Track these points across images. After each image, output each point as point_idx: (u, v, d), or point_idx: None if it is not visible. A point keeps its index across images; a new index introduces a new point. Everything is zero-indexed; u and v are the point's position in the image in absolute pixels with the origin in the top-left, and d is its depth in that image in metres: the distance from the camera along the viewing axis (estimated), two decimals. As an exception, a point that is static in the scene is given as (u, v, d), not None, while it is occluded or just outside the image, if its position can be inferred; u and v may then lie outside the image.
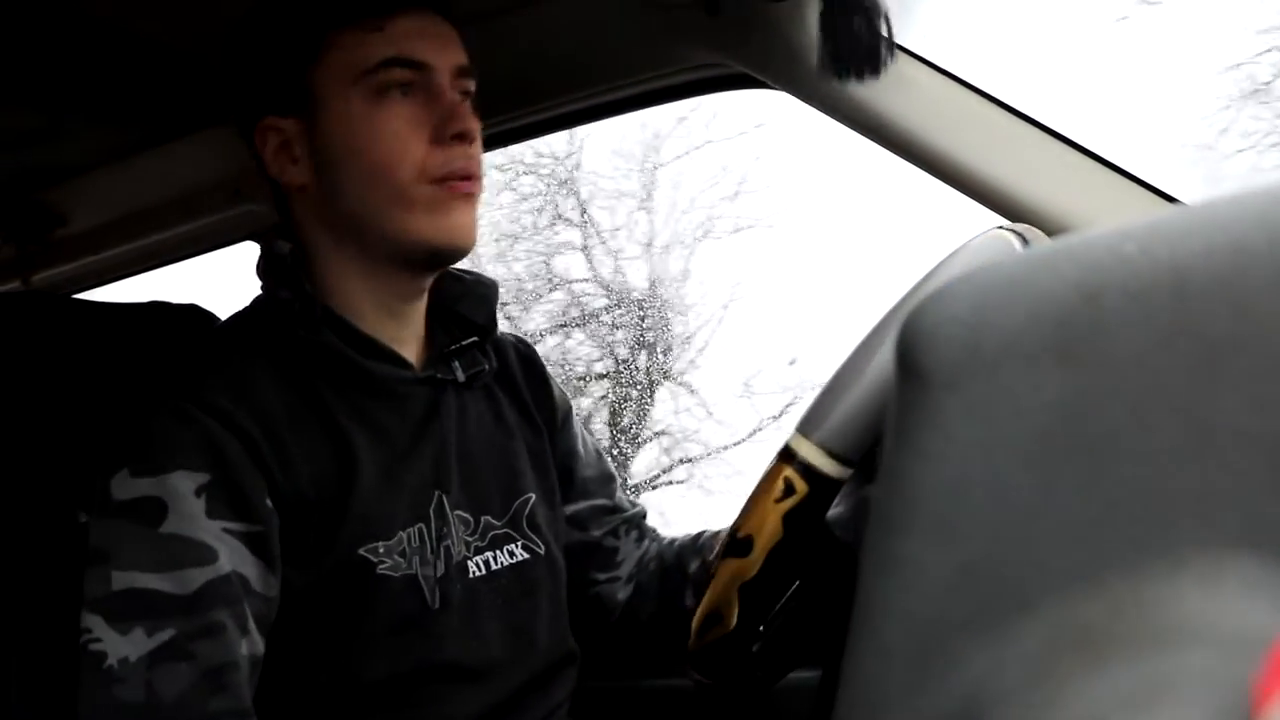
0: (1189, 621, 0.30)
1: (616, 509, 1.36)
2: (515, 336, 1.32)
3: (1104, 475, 0.32)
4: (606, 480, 1.37)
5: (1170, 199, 1.14)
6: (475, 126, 1.08)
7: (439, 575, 1.10)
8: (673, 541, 1.37)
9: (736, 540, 0.79)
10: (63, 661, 1.18)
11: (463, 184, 1.07)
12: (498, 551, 1.17)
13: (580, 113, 1.52)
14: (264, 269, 1.13)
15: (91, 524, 1.00)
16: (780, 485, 0.77)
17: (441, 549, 1.11)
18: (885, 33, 1.19)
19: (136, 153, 1.74)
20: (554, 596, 1.22)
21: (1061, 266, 0.34)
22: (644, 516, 1.39)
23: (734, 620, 0.82)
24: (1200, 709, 0.27)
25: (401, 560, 1.07)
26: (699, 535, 1.34)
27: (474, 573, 1.13)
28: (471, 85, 1.11)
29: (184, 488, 0.98)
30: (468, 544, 1.14)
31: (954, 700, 0.33)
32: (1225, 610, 0.30)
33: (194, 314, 1.36)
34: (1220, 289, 0.32)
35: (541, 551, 1.21)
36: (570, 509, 1.32)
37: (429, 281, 1.16)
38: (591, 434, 1.41)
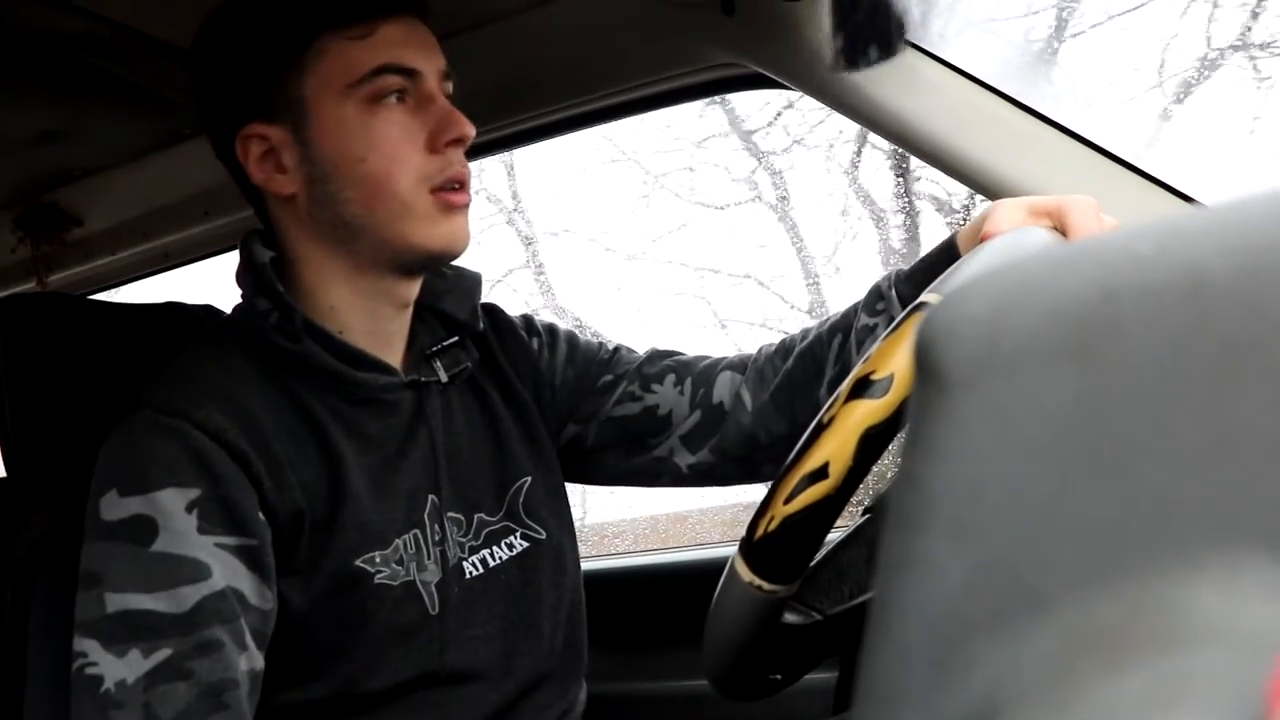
0: (1206, 623, 0.30)
1: (618, 379, 1.29)
2: (484, 304, 1.27)
3: (1121, 476, 0.32)
4: (599, 363, 1.31)
5: (1188, 199, 1.14)
6: (471, 131, 1.06)
7: (437, 580, 1.09)
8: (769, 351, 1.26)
9: (870, 381, 0.73)
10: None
11: (459, 196, 1.07)
12: (495, 547, 1.16)
13: (596, 113, 1.53)
14: (243, 277, 1.11)
15: (83, 547, 0.99)
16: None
17: (437, 553, 1.10)
18: (898, 21, 1.19)
19: (151, 153, 1.75)
20: (558, 584, 1.20)
21: (1079, 266, 0.34)
22: (663, 356, 1.30)
23: (841, 477, 0.73)
24: (1216, 712, 0.27)
25: (400, 568, 1.07)
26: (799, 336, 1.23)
27: (470, 573, 1.12)
28: (451, 89, 1.10)
29: (174, 505, 0.97)
30: (461, 545, 1.13)
31: (971, 700, 0.33)
32: (1243, 612, 0.30)
33: (209, 315, 1.37)
34: (1237, 289, 0.31)
35: (542, 537, 1.20)
36: (576, 414, 1.29)
37: (418, 284, 1.14)
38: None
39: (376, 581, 1.05)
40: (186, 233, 1.89)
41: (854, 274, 3.65)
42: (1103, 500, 0.32)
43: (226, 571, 0.98)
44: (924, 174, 3.45)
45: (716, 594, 0.80)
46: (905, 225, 3.52)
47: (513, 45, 1.27)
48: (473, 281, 1.24)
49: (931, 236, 3.56)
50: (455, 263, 1.17)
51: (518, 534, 1.19)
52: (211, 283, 2.21)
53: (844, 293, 3.70)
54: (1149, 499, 0.32)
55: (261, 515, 1.01)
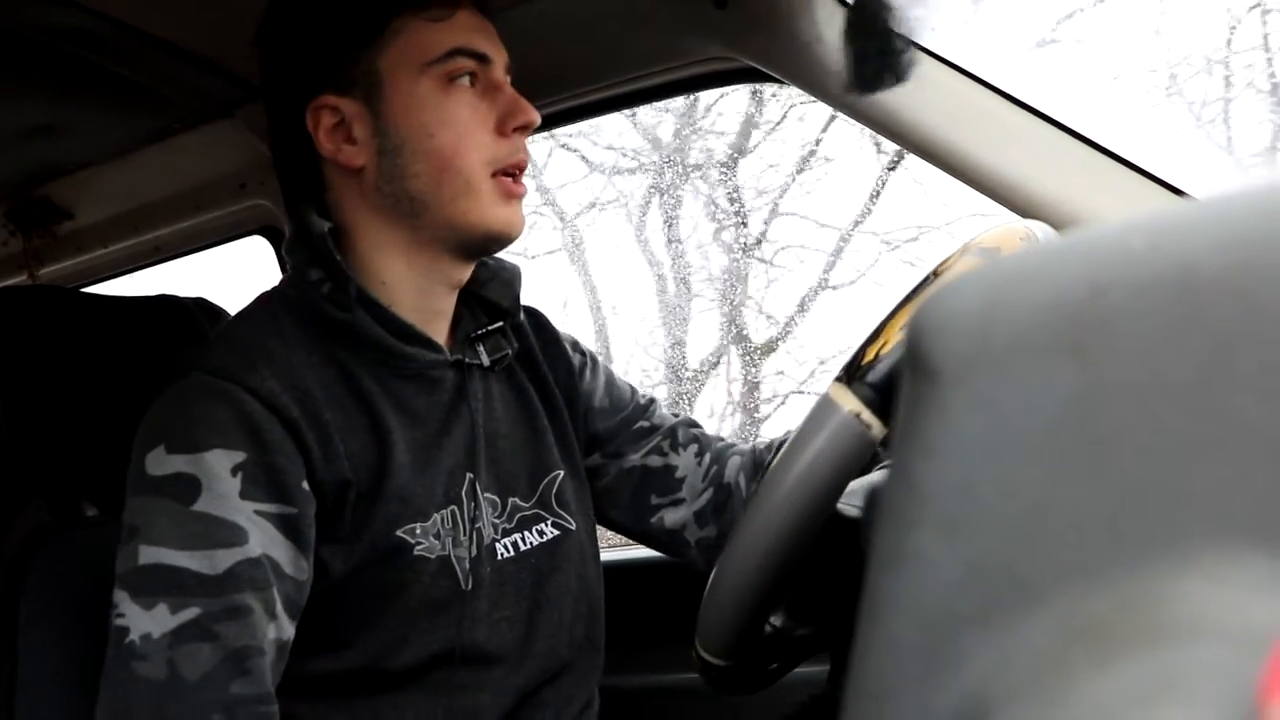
0: (1197, 617, 0.30)
1: (654, 428, 1.33)
2: (526, 306, 1.30)
3: (1113, 470, 0.32)
4: (636, 407, 1.35)
5: (1179, 193, 1.14)
6: (537, 119, 1.11)
7: (471, 557, 1.11)
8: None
9: (978, 246, 0.76)
10: (69, 652, 1.18)
11: (518, 186, 1.11)
12: (526, 532, 1.18)
13: (588, 106, 1.53)
14: (295, 246, 1.12)
15: (126, 502, 1.00)
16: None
17: (473, 531, 1.12)
18: (908, 42, 1.16)
19: (142, 147, 1.74)
20: (582, 576, 1.22)
21: (1070, 260, 0.34)
22: (692, 425, 1.35)
23: None
24: (1208, 706, 0.27)
25: (436, 542, 1.08)
26: None
27: (502, 554, 1.14)
28: (510, 82, 1.14)
29: (219, 466, 0.97)
30: (495, 526, 1.15)
31: (963, 695, 0.33)
32: (1234, 606, 0.30)
33: (202, 308, 1.37)
34: (1228, 283, 0.32)
35: (572, 527, 1.22)
36: (605, 447, 1.32)
37: (471, 267, 1.17)
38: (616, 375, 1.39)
39: (416, 553, 1.07)
40: (177, 226, 1.89)
41: (632, 320, 4.08)
42: (1094, 495, 0.32)
43: (264, 539, 0.98)
44: (732, 221, 3.82)
45: (801, 424, 0.75)
46: (677, 277, 3.95)
47: (501, 41, 1.27)
48: (513, 273, 1.26)
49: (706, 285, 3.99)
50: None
51: (549, 522, 1.21)
52: (201, 276, 2.21)
53: (622, 337, 4.09)
54: (1140, 493, 0.32)
55: (306, 485, 1.01)
